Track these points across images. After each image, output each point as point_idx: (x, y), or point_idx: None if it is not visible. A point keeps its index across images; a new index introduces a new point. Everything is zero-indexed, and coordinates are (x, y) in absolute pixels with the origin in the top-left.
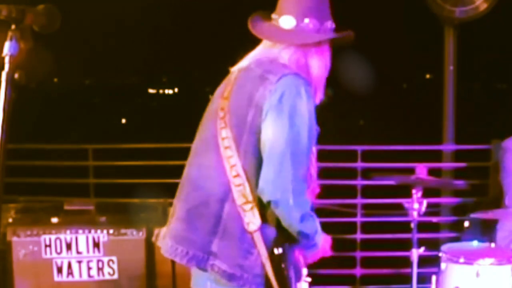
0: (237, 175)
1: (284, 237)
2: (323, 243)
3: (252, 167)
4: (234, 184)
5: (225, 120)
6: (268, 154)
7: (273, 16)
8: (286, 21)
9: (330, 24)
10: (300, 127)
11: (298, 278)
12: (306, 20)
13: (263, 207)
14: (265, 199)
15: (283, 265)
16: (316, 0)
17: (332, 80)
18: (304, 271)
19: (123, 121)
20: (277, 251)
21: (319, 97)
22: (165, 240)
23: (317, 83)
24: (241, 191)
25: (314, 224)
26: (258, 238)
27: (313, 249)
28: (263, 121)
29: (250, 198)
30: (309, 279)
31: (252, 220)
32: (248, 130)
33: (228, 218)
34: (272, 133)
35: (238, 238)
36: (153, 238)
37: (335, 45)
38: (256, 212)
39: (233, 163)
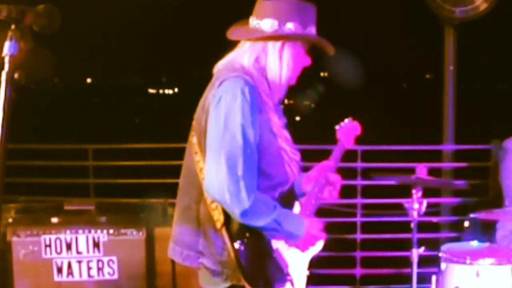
0: (204, 177)
1: (243, 231)
2: (307, 229)
3: None
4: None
5: (193, 127)
6: (207, 155)
7: (251, 20)
8: (268, 24)
9: (313, 30)
10: (234, 129)
11: (280, 273)
12: (289, 24)
13: None
14: (209, 199)
15: (247, 259)
16: (297, 5)
17: (332, 80)
18: (295, 267)
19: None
20: (237, 245)
21: (279, 93)
22: (170, 242)
23: (276, 80)
24: None
25: (265, 217)
26: (225, 235)
27: (293, 238)
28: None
29: None
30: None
31: (219, 217)
32: (204, 135)
33: (204, 218)
34: (209, 136)
35: (212, 236)
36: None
37: (319, 50)
38: (220, 210)
39: (201, 166)
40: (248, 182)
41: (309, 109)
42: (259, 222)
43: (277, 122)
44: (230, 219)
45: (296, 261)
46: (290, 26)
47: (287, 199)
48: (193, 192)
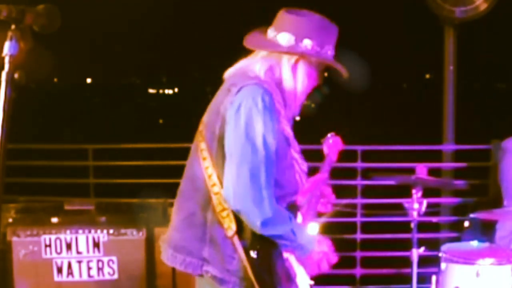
0: (214, 184)
1: (260, 240)
2: (318, 245)
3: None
4: (213, 193)
5: (203, 133)
6: (227, 163)
7: (269, 31)
8: (285, 38)
9: (330, 51)
10: (254, 137)
11: (288, 280)
12: (306, 41)
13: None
14: (229, 207)
15: (261, 268)
16: (318, 24)
17: (332, 80)
18: (302, 276)
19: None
20: (253, 254)
21: (293, 110)
22: (165, 248)
23: (291, 94)
24: (218, 198)
25: (284, 227)
26: (237, 243)
27: (302, 251)
28: (225, 132)
29: (226, 205)
30: (311, 282)
31: (230, 225)
32: (217, 141)
33: (212, 226)
34: (229, 144)
35: (221, 244)
36: (159, 242)
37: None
38: (232, 218)
39: (210, 173)
40: (269, 191)
41: (309, 109)
42: (278, 231)
43: (289, 132)
44: (243, 227)
45: (302, 271)
46: (306, 44)
47: (293, 210)
48: (198, 199)
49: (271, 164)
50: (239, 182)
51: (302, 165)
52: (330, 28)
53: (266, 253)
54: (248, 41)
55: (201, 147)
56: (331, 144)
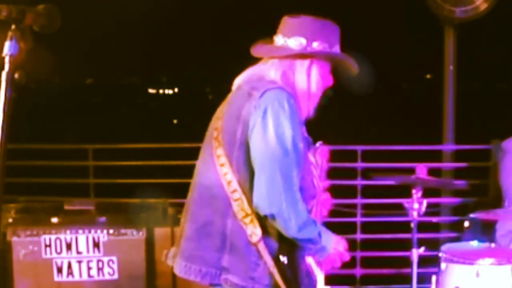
0: (235, 190)
1: (287, 244)
2: (335, 245)
3: (246, 181)
4: (233, 199)
5: (219, 139)
6: (258, 170)
7: (276, 38)
8: (296, 42)
9: (337, 49)
10: (285, 140)
11: (312, 285)
12: (316, 43)
13: (262, 218)
14: (261, 213)
15: (290, 273)
16: (323, 25)
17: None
18: (320, 278)
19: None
20: (283, 258)
21: (307, 112)
22: (177, 260)
23: (305, 98)
24: (239, 205)
25: (314, 230)
26: (262, 249)
27: (323, 252)
28: (250, 136)
29: (249, 211)
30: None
31: (254, 231)
32: (238, 146)
33: (232, 233)
34: (259, 148)
35: (244, 251)
36: (163, 258)
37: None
38: (256, 224)
39: (229, 179)
40: (301, 195)
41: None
42: (311, 234)
43: (306, 136)
44: (269, 232)
45: (319, 273)
46: (317, 45)
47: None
48: (217, 206)
49: (300, 167)
50: (273, 186)
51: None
52: (334, 28)
53: (293, 257)
54: (257, 50)
55: (217, 153)
56: (320, 153)
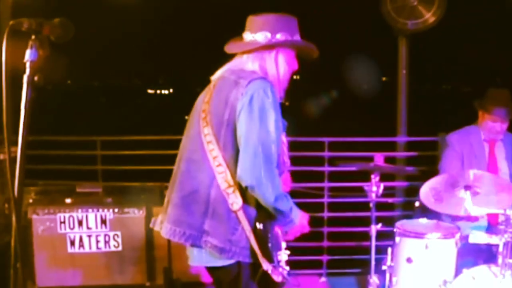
0: (219, 165)
1: (263, 214)
2: (300, 219)
3: (231, 156)
4: (218, 172)
5: (207, 119)
6: (243, 147)
7: (245, 35)
8: (262, 36)
9: (298, 37)
10: (268, 123)
11: (278, 249)
12: (279, 34)
13: (243, 190)
14: (243, 184)
15: (265, 238)
16: (283, 19)
17: (303, 83)
18: (283, 244)
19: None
20: (259, 225)
21: (279, 94)
22: (164, 224)
23: (275, 83)
24: (223, 177)
25: (288, 203)
26: (241, 216)
27: (290, 224)
28: (237, 119)
29: (232, 182)
30: (288, 252)
31: (235, 201)
32: (225, 127)
33: (215, 201)
34: (245, 129)
35: (225, 217)
36: (151, 225)
37: (307, 57)
38: (238, 194)
39: (215, 155)
40: (278, 171)
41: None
42: (285, 207)
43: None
44: (249, 202)
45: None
46: (280, 36)
47: None
48: (202, 178)
49: (279, 147)
50: (255, 161)
51: (286, 149)
52: (292, 20)
53: (267, 225)
54: (231, 47)
55: (205, 132)
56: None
